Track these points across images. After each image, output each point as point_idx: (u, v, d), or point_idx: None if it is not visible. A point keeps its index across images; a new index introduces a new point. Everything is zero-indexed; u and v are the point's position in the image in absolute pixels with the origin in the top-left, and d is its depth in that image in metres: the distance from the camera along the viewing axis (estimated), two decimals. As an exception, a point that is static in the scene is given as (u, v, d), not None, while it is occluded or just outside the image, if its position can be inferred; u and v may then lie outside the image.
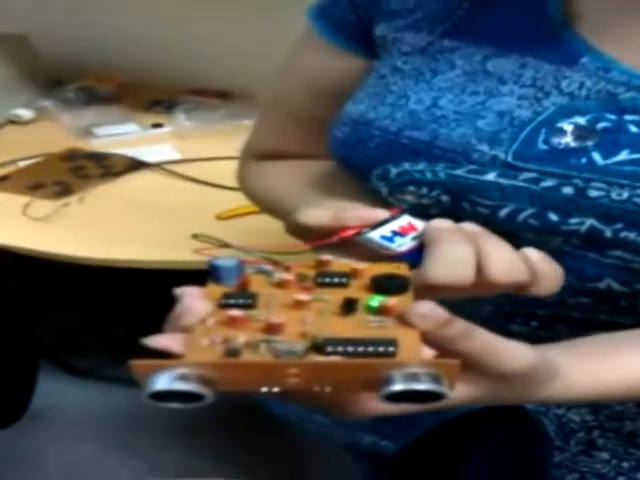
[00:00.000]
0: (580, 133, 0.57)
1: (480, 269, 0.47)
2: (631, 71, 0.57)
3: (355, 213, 0.50)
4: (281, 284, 0.42)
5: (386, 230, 0.48)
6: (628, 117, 0.56)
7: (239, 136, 1.49)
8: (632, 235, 0.55)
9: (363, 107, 0.66)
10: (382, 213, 0.50)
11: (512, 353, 0.45)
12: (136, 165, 1.43)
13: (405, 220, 0.50)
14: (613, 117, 0.56)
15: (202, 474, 1.57)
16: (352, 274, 0.43)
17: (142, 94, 1.76)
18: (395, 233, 0.48)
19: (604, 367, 0.55)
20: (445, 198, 0.60)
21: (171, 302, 0.44)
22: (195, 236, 1.21)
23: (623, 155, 0.55)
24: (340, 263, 0.44)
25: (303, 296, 0.40)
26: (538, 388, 0.50)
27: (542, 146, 0.57)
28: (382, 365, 0.36)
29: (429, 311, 0.40)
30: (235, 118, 1.59)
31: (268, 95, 0.84)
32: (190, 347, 0.37)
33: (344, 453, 1.18)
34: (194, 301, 0.41)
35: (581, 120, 0.57)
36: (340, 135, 0.67)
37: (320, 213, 0.51)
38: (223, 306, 0.40)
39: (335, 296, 0.41)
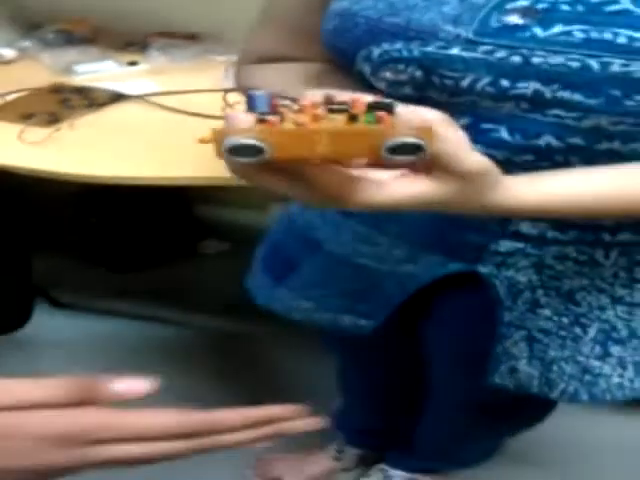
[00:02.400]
0: (524, 12, 0.60)
1: None
2: None
3: (344, 95, 0.52)
4: (301, 109, 0.49)
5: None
6: None
7: (210, 71, 1.55)
8: (566, 94, 0.60)
9: (347, 2, 0.69)
10: (368, 97, 0.51)
11: (472, 156, 0.53)
12: (118, 97, 1.42)
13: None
14: None
15: (189, 392, 1.57)
16: (351, 103, 0.50)
17: (116, 36, 1.72)
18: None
19: (542, 180, 0.61)
20: (418, 73, 0.64)
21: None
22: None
23: (558, 28, 0.59)
24: (342, 96, 0.51)
25: (319, 112, 0.49)
26: (488, 191, 0.56)
27: (495, 24, 0.61)
28: (387, 130, 0.47)
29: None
30: (205, 55, 1.59)
31: (265, 6, 0.84)
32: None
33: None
34: (241, 114, 0.49)
35: (524, 2, 0.61)
36: (330, 27, 0.70)
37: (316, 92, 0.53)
38: (261, 121, 0.48)
39: (341, 116, 0.49)
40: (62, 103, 1.41)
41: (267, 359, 1.88)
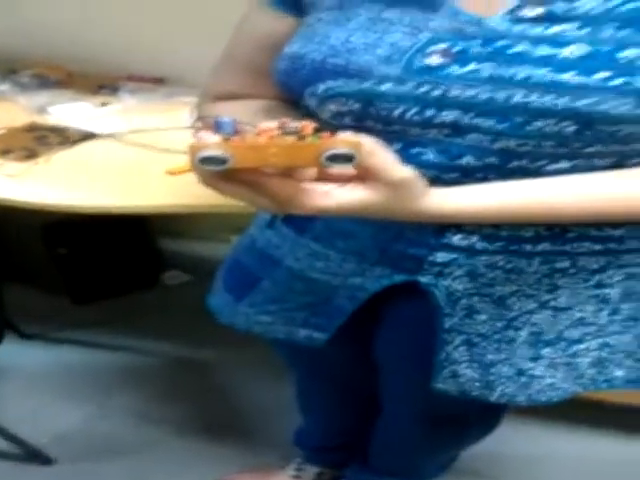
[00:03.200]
0: (443, 54, 0.69)
1: None
2: (471, 15, 0.70)
3: (294, 122, 0.62)
4: (259, 132, 0.60)
5: None
6: (472, 43, 0.69)
7: (176, 111, 1.62)
8: (480, 121, 0.69)
9: (297, 46, 0.78)
10: (314, 124, 0.62)
11: (399, 168, 0.64)
12: (90, 135, 1.48)
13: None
14: (463, 43, 0.69)
15: (150, 417, 1.64)
16: (301, 127, 0.60)
17: (88, 80, 1.77)
18: None
19: (460, 190, 0.71)
20: (357, 106, 0.73)
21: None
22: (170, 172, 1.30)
23: (470, 67, 0.68)
24: (294, 122, 0.61)
25: (274, 133, 0.59)
26: (415, 199, 0.68)
27: (418, 63, 0.70)
28: (326, 143, 0.58)
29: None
30: (172, 96, 1.65)
31: (224, 50, 0.93)
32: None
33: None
34: (209, 135, 0.58)
35: (442, 46, 0.70)
36: (282, 67, 0.79)
37: (269, 122, 0.63)
38: (226, 140, 0.58)
39: (292, 137, 0.59)
40: (38, 140, 1.46)
41: (228, 385, 1.90)
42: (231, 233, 1.05)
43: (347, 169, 0.61)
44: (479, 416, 1.14)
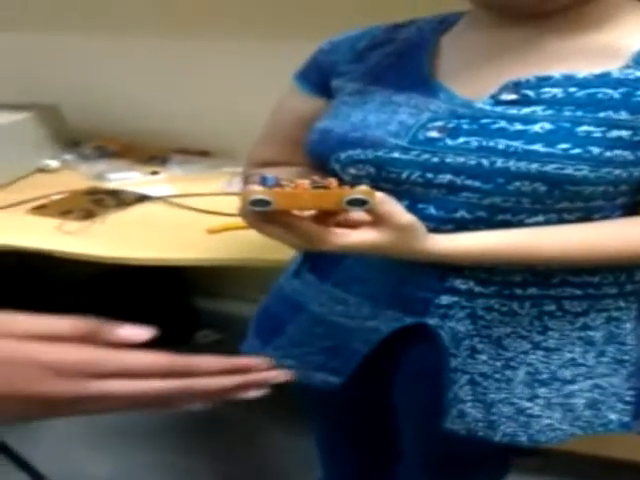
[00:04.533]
0: (440, 129, 0.82)
1: None
2: (463, 98, 0.83)
3: (323, 180, 0.74)
4: (295, 186, 0.72)
5: None
6: (463, 121, 0.81)
7: (217, 180, 1.73)
8: (469, 182, 0.79)
9: (325, 122, 0.92)
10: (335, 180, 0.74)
11: (404, 214, 0.76)
12: (142, 198, 1.58)
13: None
14: (455, 121, 0.81)
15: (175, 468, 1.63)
16: (328, 183, 0.73)
17: (140, 152, 1.87)
18: None
19: (459, 236, 0.81)
20: (372, 170, 0.85)
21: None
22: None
23: (461, 139, 0.80)
24: (321, 180, 0.73)
25: (306, 186, 0.71)
26: (418, 240, 0.78)
27: (421, 137, 0.82)
28: (346, 191, 0.70)
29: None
30: (214, 167, 1.74)
31: (265, 126, 1.07)
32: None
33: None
34: (256, 186, 0.70)
35: (440, 123, 0.82)
36: (313, 138, 0.92)
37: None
38: (269, 188, 0.71)
39: (321, 190, 0.72)
40: (96, 202, 1.55)
41: (254, 439, 1.90)
42: (262, 293, 1.12)
43: (362, 213, 0.73)
44: (487, 460, 1.11)
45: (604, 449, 1.63)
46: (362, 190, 0.71)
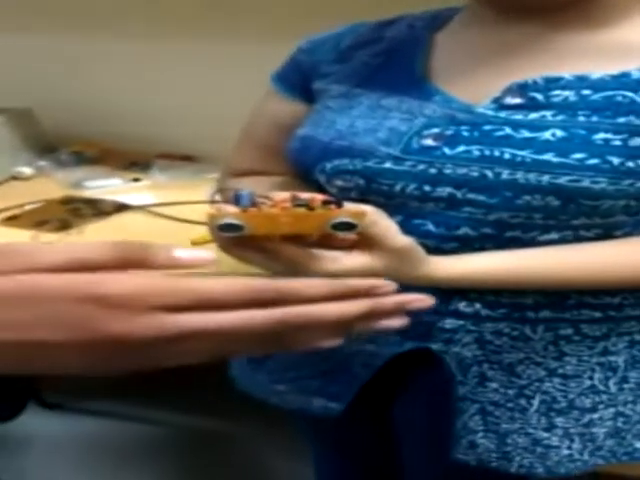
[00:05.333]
0: (436, 137, 0.75)
1: None
2: (461, 102, 0.76)
3: (305, 194, 0.65)
4: (274, 204, 0.62)
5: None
6: (462, 127, 0.74)
7: (202, 187, 1.63)
8: (473, 196, 0.73)
9: (307, 129, 0.84)
10: (323, 196, 0.66)
11: (399, 237, 0.67)
12: (122, 207, 1.50)
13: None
14: (454, 127, 0.74)
15: None
16: (310, 200, 0.63)
17: (120, 158, 1.80)
18: None
19: (463, 258, 0.74)
20: (361, 182, 0.77)
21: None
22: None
23: (461, 148, 0.73)
24: (303, 195, 0.64)
25: (287, 205, 0.62)
26: (417, 264, 0.70)
27: (415, 145, 0.75)
28: (331, 213, 0.60)
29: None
30: (199, 173, 1.68)
31: (242, 131, 0.99)
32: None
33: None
34: (228, 205, 0.61)
35: (436, 130, 0.75)
36: (294, 147, 0.85)
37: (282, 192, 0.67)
38: (244, 211, 0.61)
39: (302, 208, 0.62)
40: (72, 212, 1.47)
41: (246, 459, 1.86)
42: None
43: (350, 236, 0.64)
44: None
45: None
46: (350, 212, 0.62)
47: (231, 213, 0.60)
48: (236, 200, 0.62)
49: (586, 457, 0.86)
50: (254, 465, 1.83)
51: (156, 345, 0.37)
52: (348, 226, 0.62)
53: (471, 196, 0.73)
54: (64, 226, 1.41)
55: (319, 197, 0.64)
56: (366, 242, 0.67)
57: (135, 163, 1.78)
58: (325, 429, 1.13)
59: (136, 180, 1.69)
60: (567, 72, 0.73)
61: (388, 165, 0.76)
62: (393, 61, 0.84)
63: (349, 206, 0.64)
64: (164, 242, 1.28)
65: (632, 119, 0.69)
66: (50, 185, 1.67)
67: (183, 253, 0.40)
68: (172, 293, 0.37)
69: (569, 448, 0.86)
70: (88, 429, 1.94)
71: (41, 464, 1.80)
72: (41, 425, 1.93)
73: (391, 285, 0.45)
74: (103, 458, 1.83)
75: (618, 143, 0.69)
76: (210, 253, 0.42)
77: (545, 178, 0.69)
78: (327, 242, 0.66)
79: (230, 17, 1.71)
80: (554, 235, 0.74)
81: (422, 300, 0.48)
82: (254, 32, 1.66)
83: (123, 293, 0.36)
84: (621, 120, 0.70)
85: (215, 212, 0.61)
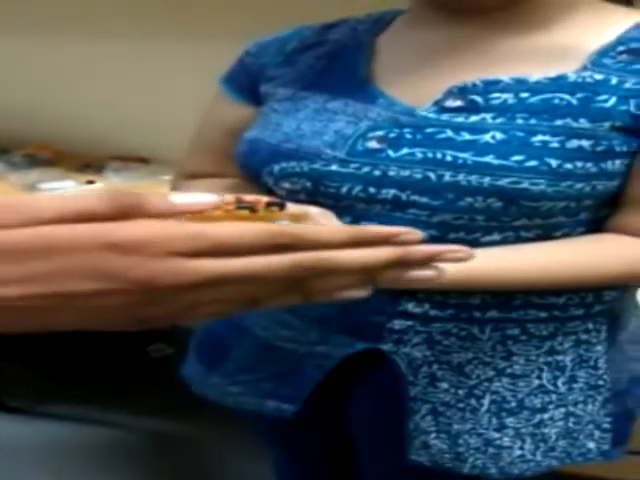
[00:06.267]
0: (380, 140, 0.74)
1: None
2: (404, 104, 0.76)
3: (249, 197, 0.64)
4: (216, 207, 0.59)
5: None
6: (405, 130, 0.73)
7: (159, 189, 1.61)
8: (416, 197, 0.72)
9: (255, 132, 0.84)
10: (267, 198, 0.65)
11: None
12: None
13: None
14: (397, 130, 0.74)
15: None
16: (254, 202, 0.60)
17: (75, 159, 1.78)
18: None
19: None
20: (308, 184, 0.77)
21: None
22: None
23: (404, 150, 0.72)
24: (248, 197, 0.61)
25: (230, 208, 0.59)
26: None
27: (360, 148, 0.75)
28: (270, 216, 0.56)
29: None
30: (154, 175, 1.66)
31: (194, 133, 0.98)
32: None
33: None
34: None
35: (380, 133, 0.75)
36: (242, 150, 0.84)
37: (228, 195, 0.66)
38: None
39: (246, 211, 0.59)
40: None
41: (214, 461, 1.84)
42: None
43: None
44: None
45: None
46: (290, 214, 0.59)
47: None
48: None
49: (539, 458, 0.85)
50: (219, 468, 1.81)
51: (178, 292, 0.36)
52: None
53: (415, 198, 0.72)
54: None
55: (263, 200, 0.62)
56: None
57: (89, 165, 1.76)
58: (281, 431, 1.11)
59: (90, 182, 1.67)
60: (506, 75, 0.72)
61: (334, 167, 0.75)
62: (336, 64, 0.83)
63: (292, 208, 0.62)
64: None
65: (569, 121, 0.69)
66: (3, 187, 1.65)
67: (180, 198, 0.39)
68: (188, 238, 0.36)
69: (521, 448, 0.85)
70: (51, 433, 1.90)
71: (3, 469, 1.77)
72: (3, 429, 1.90)
73: (418, 234, 0.43)
74: (67, 462, 1.80)
75: (556, 145, 0.69)
76: (211, 195, 0.40)
77: (486, 180, 0.69)
78: None
79: (183, 16, 1.70)
80: (496, 236, 0.74)
81: (457, 251, 0.45)
82: (209, 34, 1.64)
83: (139, 239, 0.35)
84: (558, 122, 0.69)
85: None
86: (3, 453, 1.82)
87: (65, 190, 1.62)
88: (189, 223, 0.37)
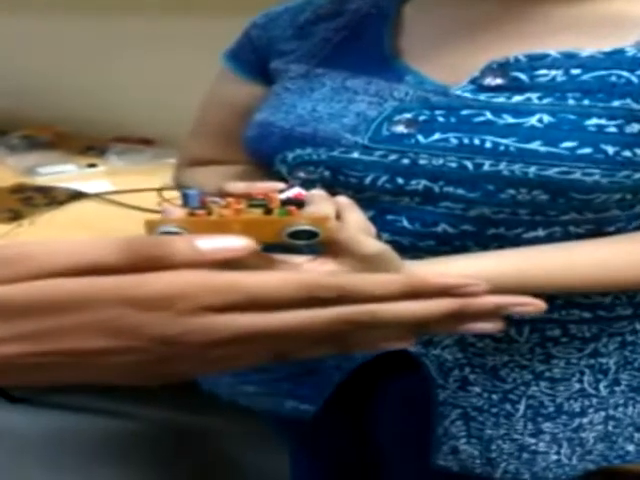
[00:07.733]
0: (408, 123, 0.65)
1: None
2: (436, 83, 0.67)
3: (263, 184, 0.59)
4: (226, 205, 0.54)
5: (284, 196, 0.60)
6: (437, 112, 0.65)
7: (162, 173, 1.55)
8: (451, 189, 0.64)
9: (265, 114, 0.75)
10: (280, 185, 0.59)
11: (368, 241, 0.57)
12: (77, 195, 1.42)
13: (296, 190, 0.60)
14: (428, 112, 0.65)
15: None
16: (269, 199, 0.55)
17: (76, 141, 1.74)
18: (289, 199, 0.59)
19: (440, 262, 0.65)
20: (327, 173, 0.68)
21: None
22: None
23: (436, 136, 0.64)
24: (260, 186, 0.57)
25: (241, 207, 0.54)
26: (389, 272, 0.58)
27: (385, 133, 0.66)
28: (288, 219, 0.52)
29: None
30: (158, 158, 1.59)
31: (196, 115, 0.89)
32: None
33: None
34: (174, 208, 0.54)
35: (408, 115, 0.66)
36: (250, 135, 0.76)
37: (237, 184, 0.59)
38: (191, 214, 0.53)
39: (259, 210, 0.54)
40: (24, 201, 1.39)
41: (221, 454, 1.80)
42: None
43: (308, 244, 0.54)
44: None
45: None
46: (310, 217, 0.53)
47: (171, 219, 0.52)
48: (183, 201, 0.55)
49: (575, 462, 0.81)
50: (227, 460, 1.78)
51: (206, 349, 0.33)
52: (308, 234, 0.52)
53: (449, 190, 0.64)
54: (15, 216, 1.32)
55: (278, 196, 0.56)
56: (332, 247, 0.57)
57: (91, 147, 1.70)
58: (299, 429, 1.06)
59: (92, 166, 1.61)
60: (553, 48, 0.64)
61: (356, 155, 0.67)
62: (357, 37, 0.75)
63: (310, 210, 0.55)
64: (122, 232, 1.22)
65: (628, 102, 0.61)
66: (1, 171, 1.59)
67: (208, 243, 0.34)
68: (220, 292, 0.32)
69: (557, 453, 0.81)
70: (56, 423, 1.88)
71: (8, 459, 1.74)
72: (7, 420, 1.87)
73: (482, 285, 0.38)
74: (71, 453, 1.77)
75: (613, 130, 0.60)
76: (243, 240, 0.35)
77: (532, 170, 0.61)
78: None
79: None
80: (541, 232, 0.66)
81: (529, 304, 0.40)
82: (214, 7, 1.56)
83: (165, 294, 0.31)
84: (616, 104, 0.61)
85: (154, 218, 0.53)
86: (8, 443, 1.80)
87: (66, 174, 1.56)
88: (220, 273, 0.33)
